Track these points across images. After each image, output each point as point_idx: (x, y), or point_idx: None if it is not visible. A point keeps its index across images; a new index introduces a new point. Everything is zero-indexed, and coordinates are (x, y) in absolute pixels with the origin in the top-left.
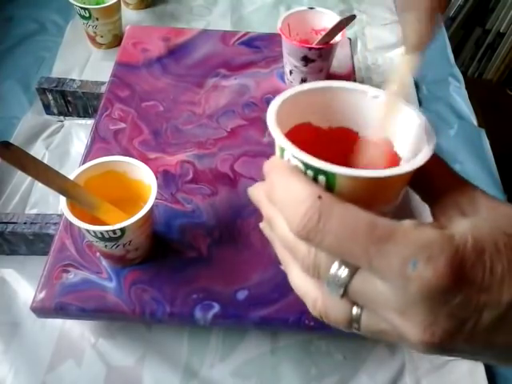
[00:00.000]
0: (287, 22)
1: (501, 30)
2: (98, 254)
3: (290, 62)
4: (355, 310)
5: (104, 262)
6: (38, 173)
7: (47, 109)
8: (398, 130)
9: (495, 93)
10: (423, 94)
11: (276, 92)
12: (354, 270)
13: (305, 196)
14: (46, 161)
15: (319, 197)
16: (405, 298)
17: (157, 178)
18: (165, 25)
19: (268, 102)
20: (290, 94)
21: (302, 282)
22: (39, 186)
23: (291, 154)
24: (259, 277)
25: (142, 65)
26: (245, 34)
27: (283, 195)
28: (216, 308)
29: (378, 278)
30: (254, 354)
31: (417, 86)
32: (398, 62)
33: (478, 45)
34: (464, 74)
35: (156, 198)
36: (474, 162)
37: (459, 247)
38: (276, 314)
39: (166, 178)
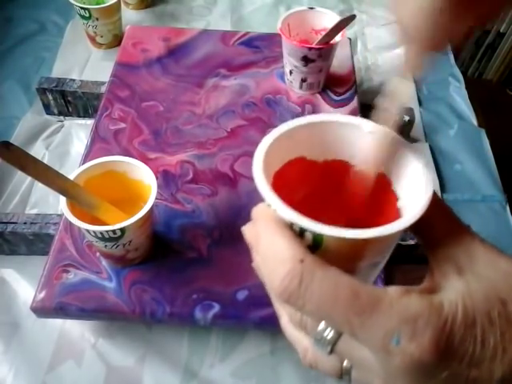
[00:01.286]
0: (287, 22)
1: (501, 30)
2: (97, 253)
3: (289, 62)
4: (345, 364)
5: (104, 262)
6: (38, 173)
7: (47, 109)
8: (397, 168)
9: (495, 93)
10: (423, 94)
11: (276, 92)
12: (340, 332)
13: (287, 257)
14: (45, 161)
15: (301, 260)
16: (387, 370)
17: (157, 178)
18: (165, 25)
19: (268, 102)
20: (281, 130)
21: (292, 331)
22: (39, 185)
23: (279, 212)
24: (259, 277)
25: (142, 65)
26: (245, 34)
27: (266, 250)
28: (216, 308)
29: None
30: (254, 354)
31: (417, 85)
32: (392, 87)
33: (477, 45)
34: (464, 74)
35: (156, 198)
36: (474, 162)
37: (448, 319)
38: (276, 314)
39: (166, 178)
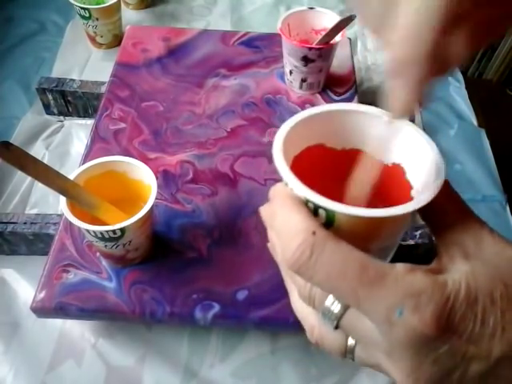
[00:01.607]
0: (287, 22)
1: None
2: (97, 253)
3: (289, 62)
4: (350, 342)
5: (104, 262)
6: (37, 173)
7: (47, 109)
8: (411, 158)
9: (495, 93)
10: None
11: (276, 92)
12: (347, 306)
13: (300, 230)
14: (45, 161)
15: (313, 232)
16: (390, 342)
17: (157, 178)
18: (165, 25)
19: (268, 102)
20: (303, 116)
21: (300, 308)
22: (39, 186)
23: (294, 188)
24: (259, 277)
25: (142, 65)
26: (245, 34)
27: (281, 225)
28: (216, 308)
29: (367, 317)
30: (254, 354)
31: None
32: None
33: None
34: (464, 73)
35: (156, 198)
36: (474, 162)
37: (450, 297)
38: (276, 314)
39: (166, 178)
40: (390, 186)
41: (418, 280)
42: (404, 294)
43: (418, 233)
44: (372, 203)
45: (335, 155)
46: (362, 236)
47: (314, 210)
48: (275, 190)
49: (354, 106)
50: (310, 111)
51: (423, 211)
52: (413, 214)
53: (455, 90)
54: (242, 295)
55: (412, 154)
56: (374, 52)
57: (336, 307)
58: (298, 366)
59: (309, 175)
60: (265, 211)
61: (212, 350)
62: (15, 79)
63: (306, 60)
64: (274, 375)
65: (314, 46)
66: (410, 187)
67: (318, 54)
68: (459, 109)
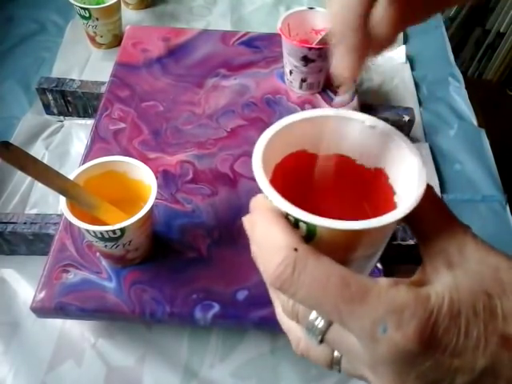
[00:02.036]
0: (287, 22)
1: (501, 30)
2: (97, 253)
3: (289, 62)
4: (336, 354)
5: (104, 262)
6: (38, 173)
7: (47, 109)
8: (394, 163)
9: (495, 93)
10: (423, 94)
11: (276, 92)
12: (330, 321)
13: (281, 246)
14: (45, 161)
15: (295, 249)
16: (374, 358)
17: (157, 178)
18: (165, 25)
19: (268, 102)
20: (283, 124)
21: (285, 320)
22: (39, 186)
23: (274, 203)
24: (259, 277)
25: (142, 65)
26: (245, 34)
27: (262, 239)
28: (216, 308)
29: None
30: (254, 354)
31: (417, 85)
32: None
33: (478, 45)
34: (464, 74)
35: (156, 198)
36: (474, 162)
37: (433, 311)
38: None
39: (166, 178)
40: (374, 189)
41: (400, 295)
42: (387, 310)
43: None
44: (358, 204)
45: (317, 160)
46: (345, 246)
47: (295, 223)
48: (256, 202)
49: (335, 111)
50: (291, 118)
51: (407, 218)
52: (396, 221)
53: (455, 90)
54: (241, 295)
55: (394, 159)
56: None
57: (320, 322)
58: (298, 365)
59: (292, 182)
60: (247, 221)
61: (212, 350)
62: (15, 79)
63: (305, 60)
64: (274, 375)
65: (313, 46)
66: (393, 192)
67: (318, 54)
68: (459, 109)
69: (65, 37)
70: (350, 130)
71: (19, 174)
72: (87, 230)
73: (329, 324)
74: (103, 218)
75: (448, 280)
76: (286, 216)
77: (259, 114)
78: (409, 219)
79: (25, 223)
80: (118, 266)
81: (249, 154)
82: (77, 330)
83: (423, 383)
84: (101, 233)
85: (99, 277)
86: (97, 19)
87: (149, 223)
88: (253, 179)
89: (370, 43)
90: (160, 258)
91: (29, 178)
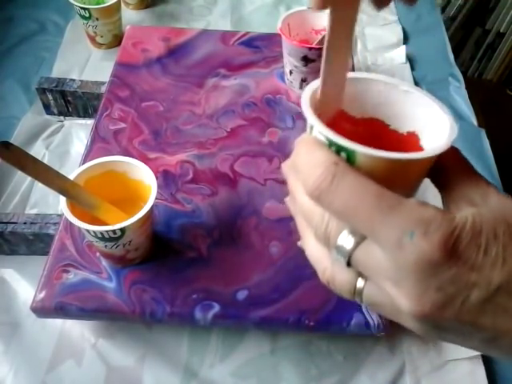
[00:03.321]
0: (287, 22)
1: (501, 30)
2: (97, 253)
3: (289, 62)
4: (359, 283)
5: (104, 262)
6: (38, 173)
7: (47, 109)
8: (426, 126)
9: (495, 93)
10: None
11: (276, 92)
12: (359, 240)
13: (323, 160)
14: (45, 161)
15: (335, 163)
16: (399, 268)
17: (157, 178)
18: (165, 25)
19: (268, 102)
20: None
21: (314, 250)
22: (39, 185)
23: (318, 130)
24: (259, 277)
25: (142, 65)
26: (245, 34)
27: (304, 160)
28: (216, 308)
29: (378, 246)
30: (254, 354)
31: (417, 85)
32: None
33: (478, 45)
34: (464, 74)
35: (156, 198)
36: (474, 162)
37: (457, 227)
38: (276, 313)
39: (166, 178)
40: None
41: (429, 211)
42: (415, 221)
43: None
44: None
45: (354, 122)
46: (381, 180)
47: (336, 152)
48: (300, 138)
49: (373, 75)
50: None
51: (434, 171)
52: (430, 163)
53: (455, 90)
54: (241, 295)
55: (427, 122)
56: (374, 52)
57: (349, 243)
58: (298, 365)
59: None
60: (285, 163)
61: (212, 350)
62: (15, 79)
63: (306, 60)
64: (274, 375)
65: (313, 46)
66: (417, 139)
67: (318, 54)
68: (459, 109)
69: (65, 37)
70: (385, 94)
71: (19, 173)
72: (87, 230)
73: (357, 244)
74: (103, 217)
75: (472, 209)
76: (329, 146)
77: (259, 114)
78: (435, 171)
79: (25, 223)
80: (118, 266)
81: (249, 154)
82: (77, 330)
83: (442, 295)
84: (101, 233)
85: (99, 277)
86: (97, 19)
87: (149, 223)
88: (253, 179)
89: None
90: (160, 258)
91: (29, 178)
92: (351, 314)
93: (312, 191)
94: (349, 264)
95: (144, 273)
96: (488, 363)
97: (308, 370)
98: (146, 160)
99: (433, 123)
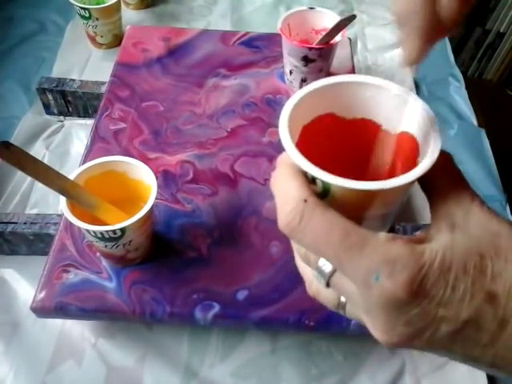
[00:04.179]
0: (287, 22)
1: (501, 30)
2: (97, 253)
3: (290, 62)
4: (342, 298)
5: (104, 262)
6: (38, 173)
7: (47, 109)
8: (417, 128)
9: (495, 93)
10: (423, 94)
11: (276, 92)
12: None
13: (293, 196)
14: (45, 161)
15: (305, 200)
16: (368, 303)
17: (157, 178)
18: (165, 25)
19: (268, 102)
20: (313, 87)
21: (301, 264)
22: (39, 185)
23: (293, 159)
24: (259, 277)
25: (142, 65)
26: (245, 34)
27: (279, 191)
28: (216, 308)
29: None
30: (254, 354)
31: (417, 85)
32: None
33: (478, 45)
34: (464, 73)
35: (156, 198)
36: (474, 161)
37: (425, 264)
38: (276, 314)
39: (166, 178)
40: (397, 151)
41: (396, 248)
42: (381, 261)
43: (418, 233)
44: (382, 167)
45: (345, 124)
46: (357, 205)
47: (312, 179)
48: (280, 159)
49: (363, 77)
50: (321, 82)
51: (420, 181)
52: (410, 186)
53: (455, 90)
54: (241, 295)
55: (417, 124)
56: (374, 52)
57: (327, 267)
58: (298, 365)
59: (318, 143)
60: (272, 176)
61: (212, 350)
62: (15, 79)
63: (306, 60)
64: (274, 375)
65: (314, 46)
66: (418, 152)
67: (318, 54)
68: (459, 109)
69: (65, 37)
70: (377, 96)
71: (19, 173)
72: (87, 230)
73: (334, 269)
74: (103, 217)
75: (445, 240)
76: (305, 173)
77: (259, 114)
78: (421, 181)
79: (25, 223)
80: (118, 265)
81: (249, 154)
82: (77, 329)
83: (411, 329)
84: (101, 233)
85: (99, 277)
86: (97, 19)
87: (149, 223)
88: (253, 179)
89: (435, 26)
90: (160, 258)
91: (29, 178)
92: None
93: (283, 227)
94: (328, 285)
95: (144, 273)
96: None
97: (308, 370)
98: (146, 160)
99: (423, 127)
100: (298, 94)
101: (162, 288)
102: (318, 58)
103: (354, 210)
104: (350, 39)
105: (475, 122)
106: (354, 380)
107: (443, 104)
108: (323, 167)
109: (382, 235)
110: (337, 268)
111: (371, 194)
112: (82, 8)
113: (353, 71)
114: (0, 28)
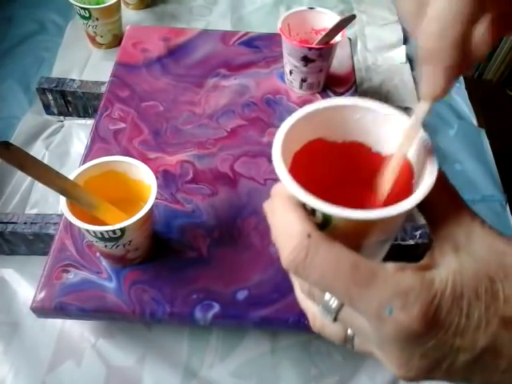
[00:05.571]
0: (287, 22)
1: None
2: (97, 253)
3: (290, 62)
4: (349, 332)
5: (104, 262)
6: (38, 173)
7: (47, 109)
8: (410, 149)
9: (495, 93)
10: None
11: (276, 92)
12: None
13: (296, 232)
14: (45, 161)
15: (308, 235)
16: (381, 338)
17: (157, 178)
18: (165, 25)
19: (268, 102)
20: (301, 114)
21: (303, 300)
22: (39, 185)
23: (291, 191)
24: (259, 277)
25: (142, 65)
26: (245, 34)
27: (279, 225)
28: (216, 308)
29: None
30: (254, 354)
31: (417, 85)
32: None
33: None
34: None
35: (156, 198)
36: (474, 162)
37: (437, 294)
38: (276, 313)
39: (166, 178)
40: (394, 175)
41: (406, 279)
42: (393, 293)
43: (417, 233)
44: (373, 193)
45: (336, 148)
46: (358, 233)
47: (312, 211)
48: (275, 189)
49: (352, 100)
50: (308, 108)
51: (419, 205)
52: (409, 211)
53: (455, 90)
54: (241, 295)
55: (412, 145)
56: (373, 52)
57: (334, 302)
58: (298, 366)
59: (310, 169)
60: (267, 207)
61: (212, 350)
62: (15, 79)
63: (306, 60)
64: (274, 375)
65: (314, 46)
66: (412, 175)
67: (318, 54)
68: (459, 109)
69: (65, 37)
70: (366, 118)
71: (19, 174)
72: (87, 230)
73: (341, 304)
74: (103, 217)
75: (453, 264)
76: (304, 204)
77: (259, 114)
78: (421, 205)
79: (25, 223)
80: (118, 266)
81: (249, 154)
82: (77, 330)
83: (428, 361)
84: (101, 233)
85: (99, 277)
86: (97, 19)
87: (149, 223)
88: (253, 179)
89: (464, 61)
90: (160, 258)
91: (29, 178)
92: None
93: (287, 265)
94: (335, 319)
95: (144, 273)
96: None
97: (308, 370)
98: (146, 160)
99: (416, 148)
100: (288, 121)
101: (161, 288)
102: (318, 58)
103: (355, 238)
104: (349, 39)
105: (475, 122)
106: (354, 380)
107: (443, 104)
108: (317, 195)
109: (391, 266)
110: (346, 303)
111: (373, 223)
112: (81, 8)
113: (353, 71)
114: (0, 28)
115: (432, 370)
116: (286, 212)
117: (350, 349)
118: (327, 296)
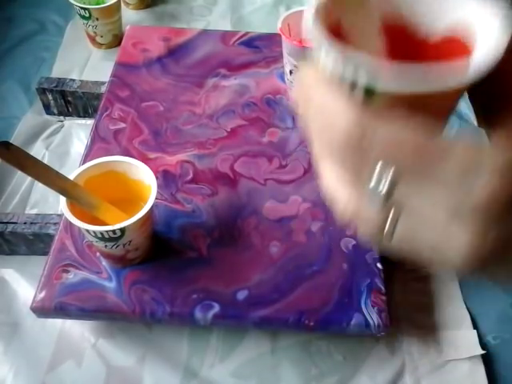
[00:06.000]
0: (287, 22)
1: None
2: (97, 253)
3: (290, 62)
4: (394, 214)
5: (104, 262)
6: (38, 173)
7: (47, 109)
8: (471, 23)
9: None
10: None
11: (276, 92)
12: (397, 180)
13: (349, 106)
14: (45, 161)
15: (363, 109)
16: (464, 204)
17: (157, 178)
18: (165, 25)
19: (268, 102)
20: None
21: (333, 185)
22: (39, 185)
23: (334, 59)
24: (259, 277)
25: (142, 65)
26: (245, 34)
27: (324, 103)
28: (216, 308)
29: (433, 181)
30: (254, 354)
31: None
32: None
33: None
34: None
35: (156, 198)
36: None
37: None
38: (276, 314)
39: (166, 178)
40: (442, 53)
41: (500, 148)
42: (485, 154)
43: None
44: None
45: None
46: (408, 108)
47: (351, 86)
48: (305, 75)
49: None
50: None
51: (473, 87)
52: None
53: None
54: (242, 295)
55: (476, 17)
56: None
57: (385, 183)
58: (298, 365)
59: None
60: (298, 96)
61: (212, 349)
62: (15, 79)
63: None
64: (274, 375)
65: None
66: (469, 52)
67: None
68: (459, 109)
69: (65, 37)
70: None
71: (19, 173)
72: (87, 230)
73: (395, 184)
74: (103, 217)
75: None
76: (342, 77)
77: (259, 114)
78: (481, 92)
79: (25, 223)
80: (118, 266)
81: (249, 154)
82: (77, 330)
83: (508, 234)
84: (101, 233)
85: (99, 277)
86: (97, 19)
87: (149, 223)
88: (253, 179)
89: None
90: (160, 258)
91: (29, 178)
92: (351, 314)
93: (346, 141)
94: (387, 199)
95: (144, 273)
96: (488, 363)
97: (308, 370)
98: (146, 160)
99: (481, 19)
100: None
101: (161, 288)
102: None
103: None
104: None
105: (475, 122)
106: (354, 380)
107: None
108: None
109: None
110: (418, 175)
111: (426, 97)
112: (81, 8)
113: None
114: (0, 28)
115: (508, 247)
116: (326, 92)
117: (385, 240)
118: (374, 181)
